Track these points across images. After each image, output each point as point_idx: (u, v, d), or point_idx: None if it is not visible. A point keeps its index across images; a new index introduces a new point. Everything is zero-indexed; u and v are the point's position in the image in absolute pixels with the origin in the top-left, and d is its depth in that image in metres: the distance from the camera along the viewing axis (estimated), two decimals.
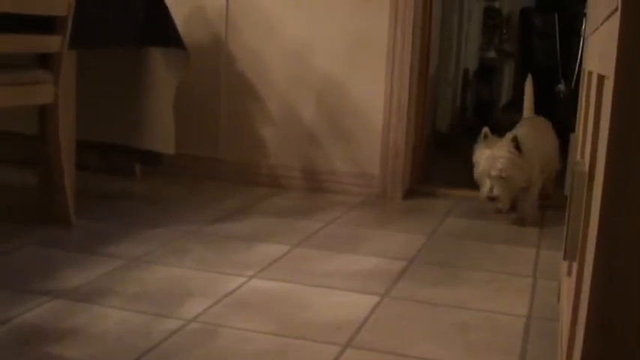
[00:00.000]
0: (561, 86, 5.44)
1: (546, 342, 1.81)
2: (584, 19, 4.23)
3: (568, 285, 1.48)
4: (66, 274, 2.14)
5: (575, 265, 1.24)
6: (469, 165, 2.96)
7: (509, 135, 2.89)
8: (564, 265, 1.74)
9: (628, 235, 0.77)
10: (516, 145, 2.85)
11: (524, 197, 3.03)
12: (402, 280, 2.25)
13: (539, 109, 5.70)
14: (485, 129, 2.91)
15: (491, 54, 6.50)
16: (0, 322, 1.77)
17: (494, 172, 2.83)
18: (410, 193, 3.49)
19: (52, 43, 2.40)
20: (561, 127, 5.06)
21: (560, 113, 5.27)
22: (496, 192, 2.85)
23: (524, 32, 6.08)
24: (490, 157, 2.85)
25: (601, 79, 1.03)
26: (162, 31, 3.01)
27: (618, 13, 0.74)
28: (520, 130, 3.05)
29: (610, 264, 0.79)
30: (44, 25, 2.39)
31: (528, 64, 5.94)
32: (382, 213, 3.14)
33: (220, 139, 3.58)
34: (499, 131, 2.97)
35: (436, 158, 4.25)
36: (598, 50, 1.10)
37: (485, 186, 2.87)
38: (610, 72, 0.78)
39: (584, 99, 1.66)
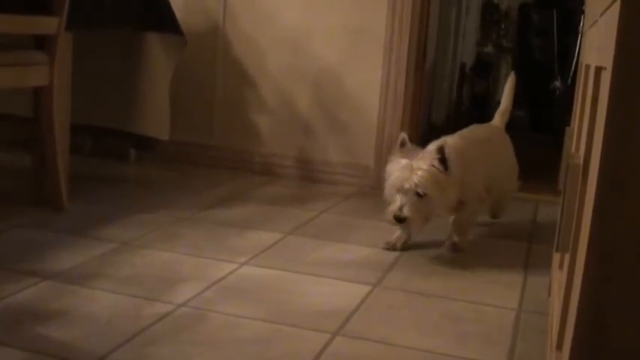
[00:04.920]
0: (557, 83, 5.44)
1: (536, 336, 1.81)
2: (582, 17, 4.22)
3: (559, 279, 1.48)
4: (57, 256, 2.13)
5: (567, 259, 1.24)
6: None
7: (434, 144, 2.34)
8: (556, 258, 1.74)
9: (622, 228, 0.77)
10: (441, 158, 2.25)
11: (455, 219, 2.50)
12: (393, 270, 2.25)
13: (536, 105, 5.70)
14: (403, 135, 2.33)
15: (489, 49, 6.51)
16: None
17: (407, 185, 2.22)
18: None
19: (48, 24, 2.39)
20: (557, 123, 5.07)
21: (555, 110, 5.28)
22: (406, 212, 2.23)
23: (522, 28, 6.08)
24: (406, 167, 2.25)
25: (598, 70, 1.03)
26: (159, 16, 3.00)
27: (618, 4, 0.74)
28: (455, 140, 2.45)
29: (603, 258, 0.79)
30: (41, 6, 2.38)
31: (525, 60, 5.94)
32: (376, 204, 3.13)
33: (215, 126, 3.57)
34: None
35: None
36: (596, 43, 1.10)
37: (395, 203, 2.27)
38: (608, 63, 0.77)
39: (580, 93, 1.66)
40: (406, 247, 2.48)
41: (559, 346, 1.16)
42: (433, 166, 2.24)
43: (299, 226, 2.65)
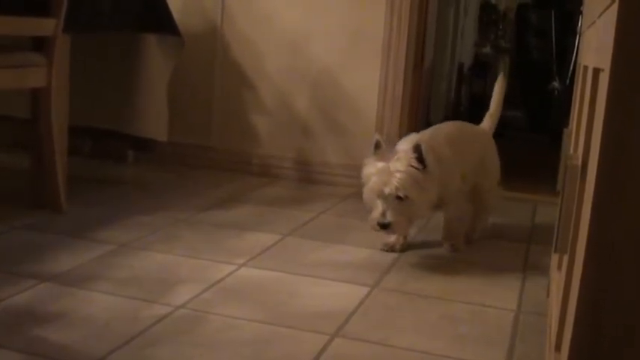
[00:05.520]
0: (556, 83, 5.44)
1: (535, 336, 1.81)
2: (580, 17, 4.22)
3: (558, 279, 1.48)
4: (55, 258, 2.13)
5: (565, 259, 1.24)
6: None
7: (408, 143, 2.26)
8: (554, 259, 1.75)
9: (620, 229, 0.77)
10: (419, 156, 2.18)
11: (445, 219, 2.50)
12: (391, 271, 2.25)
13: (534, 105, 5.69)
14: (377, 137, 2.26)
15: (487, 49, 6.51)
16: None
17: (387, 190, 2.16)
18: None
19: (46, 26, 2.39)
20: (555, 123, 5.07)
21: (553, 110, 5.28)
22: (390, 217, 2.18)
23: (520, 29, 6.08)
24: (384, 170, 2.18)
25: (596, 72, 1.03)
26: (157, 17, 2.99)
27: (615, 5, 0.74)
28: (427, 137, 2.37)
29: (601, 258, 0.79)
30: (39, 7, 2.37)
31: (523, 61, 5.95)
32: None
33: (213, 128, 3.57)
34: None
35: None
36: (594, 44, 1.10)
37: (377, 209, 2.22)
38: (606, 64, 0.77)
39: (578, 94, 1.66)
40: (404, 248, 2.47)
41: (558, 347, 1.16)
42: (411, 166, 2.18)
43: (297, 227, 2.65)
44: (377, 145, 2.24)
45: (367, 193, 2.24)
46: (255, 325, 1.77)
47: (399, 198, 2.17)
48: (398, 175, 2.16)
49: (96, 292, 1.90)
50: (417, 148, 2.18)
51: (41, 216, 2.52)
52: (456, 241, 2.51)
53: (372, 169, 2.22)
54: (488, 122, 2.75)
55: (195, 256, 2.25)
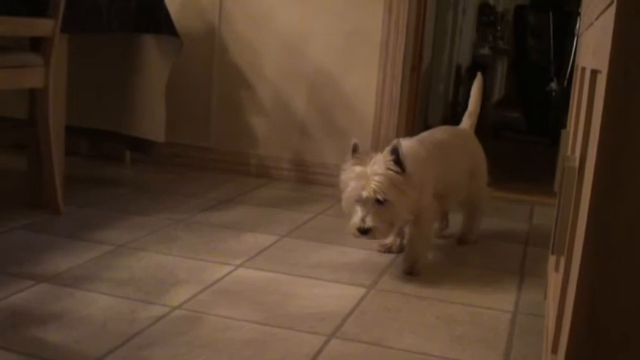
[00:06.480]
0: (553, 84, 5.44)
1: (532, 338, 1.82)
2: (578, 18, 4.22)
3: (555, 281, 1.48)
4: (53, 258, 2.13)
5: (562, 261, 1.24)
6: None
7: (388, 146, 2.16)
8: (552, 261, 1.75)
9: (617, 230, 0.77)
10: (397, 159, 2.11)
11: (412, 234, 2.32)
12: (388, 272, 2.25)
13: (532, 106, 5.70)
14: (354, 141, 2.17)
15: (485, 51, 6.52)
16: None
17: (366, 194, 2.06)
18: None
19: (44, 26, 2.38)
20: (553, 125, 5.07)
21: (552, 111, 5.29)
22: (369, 222, 2.07)
23: (518, 30, 6.09)
24: (361, 174, 2.10)
25: (594, 74, 1.03)
26: (155, 18, 2.99)
27: (613, 7, 0.74)
28: (410, 142, 2.32)
29: (598, 260, 0.79)
30: (36, 7, 2.37)
31: (521, 62, 5.95)
32: None
33: (211, 129, 3.57)
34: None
35: None
36: (592, 45, 1.10)
37: (357, 215, 2.11)
38: (604, 66, 0.77)
39: (576, 95, 1.66)
40: (401, 249, 2.46)
41: (554, 349, 1.16)
42: (389, 168, 2.09)
43: (295, 228, 2.65)
44: (354, 149, 2.16)
45: (345, 199, 2.15)
46: (252, 325, 1.77)
47: (378, 202, 2.08)
48: (376, 178, 2.07)
49: (93, 292, 1.90)
50: (394, 151, 2.11)
51: (39, 216, 2.52)
52: (418, 262, 2.29)
53: (350, 174, 2.14)
54: (469, 121, 2.70)
55: (192, 256, 2.25)
